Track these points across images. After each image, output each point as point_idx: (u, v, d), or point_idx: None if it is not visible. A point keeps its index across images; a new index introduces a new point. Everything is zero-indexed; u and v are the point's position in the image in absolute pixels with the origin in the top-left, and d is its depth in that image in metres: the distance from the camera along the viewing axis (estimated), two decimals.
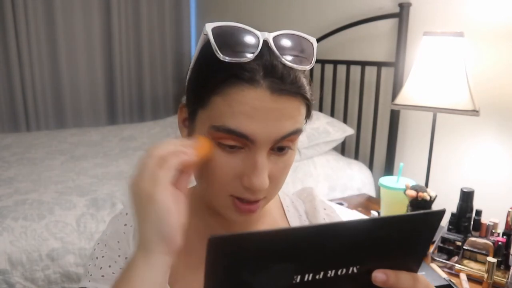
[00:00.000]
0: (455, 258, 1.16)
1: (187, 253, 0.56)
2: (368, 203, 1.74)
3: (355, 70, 1.99)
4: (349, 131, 1.94)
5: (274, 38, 0.47)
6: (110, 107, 3.18)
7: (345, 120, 2.06)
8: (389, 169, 1.86)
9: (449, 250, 1.19)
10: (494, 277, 1.04)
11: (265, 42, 0.46)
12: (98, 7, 2.99)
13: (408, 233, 0.38)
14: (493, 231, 1.21)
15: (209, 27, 0.45)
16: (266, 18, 2.63)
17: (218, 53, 0.45)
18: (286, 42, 0.47)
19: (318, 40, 2.13)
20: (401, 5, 1.73)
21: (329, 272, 0.36)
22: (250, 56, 0.45)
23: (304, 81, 0.48)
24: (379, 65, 1.87)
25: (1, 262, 1.25)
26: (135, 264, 0.43)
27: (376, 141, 1.94)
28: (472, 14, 1.53)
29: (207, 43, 0.47)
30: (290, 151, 0.50)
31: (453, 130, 1.64)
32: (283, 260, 0.34)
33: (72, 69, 2.97)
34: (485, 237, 1.21)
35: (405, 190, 1.18)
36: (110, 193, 1.52)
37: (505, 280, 1.06)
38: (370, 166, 1.97)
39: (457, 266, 1.12)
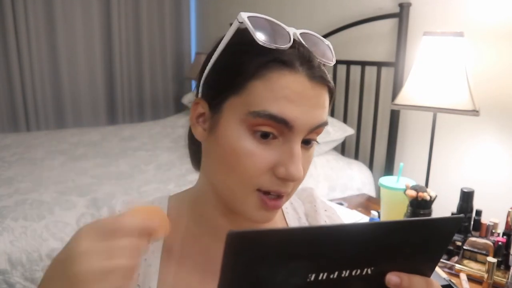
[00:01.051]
0: (455, 258, 1.16)
1: (186, 258, 0.55)
2: (368, 203, 1.74)
3: (355, 70, 1.99)
4: (349, 131, 1.94)
5: (301, 34, 0.48)
6: (110, 107, 3.18)
7: (345, 120, 2.06)
8: (389, 169, 1.86)
9: (449, 250, 1.19)
10: (494, 277, 1.04)
11: (294, 36, 0.48)
12: (98, 7, 2.99)
13: (425, 238, 0.37)
14: (493, 231, 1.21)
15: (244, 15, 0.46)
16: None
17: (258, 38, 0.45)
18: (311, 40, 0.49)
19: None
20: (401, 5, 1.73)
21: (344, 272, 0.36)
22: (287, 43, 0.46)
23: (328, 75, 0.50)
24: (379, 65, 1.87)
25: (1, 262, 1.25)
26: None
27: (376, 141, 1.94)
28: (472, 14, 1.53)
29: (241, 31, 0.47)
30: (314, 145, 0.50)
31: (453, 130, 1.64)
32: (299, 258, 0.34)
33: (72, 69, 2.96)
34: (485, 237, 1.21)
35: (405, 190, 1.18)
36: (110, 193, 1.52)
37: (505, 280, 1.06)
38: (370, 166, 1.97)
39: (457, 266, 1.12)
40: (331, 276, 0.36)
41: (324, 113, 0.48)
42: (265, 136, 0.46)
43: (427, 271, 0.39)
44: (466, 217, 1.25)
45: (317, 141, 0.50)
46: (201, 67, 0.54)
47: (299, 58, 0.46)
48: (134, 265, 0.36)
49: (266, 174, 0.47)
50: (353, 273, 0.36)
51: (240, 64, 0.46)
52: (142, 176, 1.72)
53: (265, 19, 0.47)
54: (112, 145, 2.22)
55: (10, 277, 1.26)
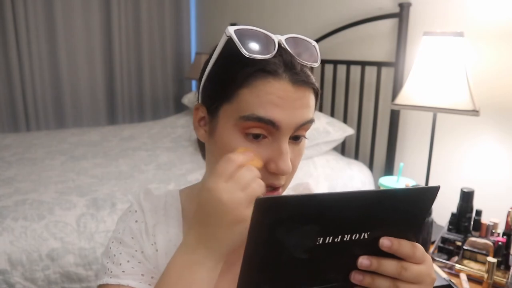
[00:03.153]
0: (455, 258, 1.16)
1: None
2: None
3: (355, 70, 1.99)
4: (349, 131, 1.94)
5: (286, 40, 0.53)
6: (110, 107, 3.18)
7: (345, 120, 2.06)
8: (389, 169, 1.86)
9: (449, 250, 1.19)
10: (494, 277, 1.04)
11: (279, 43, 0.52)
12: (98, 7, 2.99)
13: (409, 205, 0.43)
14: (493, 231, 1.21)
15: (231, 29, 0.51)
16: (266, 18, 2.63)
17: (244, 51, 0.49)
18: (295, 43, 0.54)
19: (318, 40, 2.14)
20: (401, 5, 1.73)
21: (346, 236, 0.41)
22: (271, 53, 0.51)
23: (313, 76, 0.55)
24: (379, 65, 1.87)
25: (1, 262, 1.25)
26: (200, 267, 0.47)
27: (376, 141, 1.94)
28: (472, 14, 1.53)
29: (229, 44, 0.52)
30: (303, 140, 0.56)
31: (453, 130, 1.64)
32: (311, 223, 0.39)
33: (72, 69, 2.96)
34: (485, 237, 1.21)
35: None
36: (110, 193, 1.52)
37: (505, 280, 1.06)
38: (370, 166, 1.97)
39: (457, 266, 1.12)
40: (335, 240, 0.41)
41: (308, 112, 0.53)
42: (256, 137, 0.52)
43: (412, 238, 0.45)
44: (466, 217, 1.25)
45: (305, 137, 0.56)
46: (200, 72, 0.60)
47: (282, 65, 0.51)
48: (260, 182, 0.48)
49: (260, 170, 0.52)
50: (353, 237, 0.42)
51: (229, 74, 0.52)
52: (142, 176, 1.72)
53: (252, 30, 0.52)
54: (112, 145, 2.22)
55: (10, 277, 1.26)
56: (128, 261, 0.59)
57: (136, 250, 0.60)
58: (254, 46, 0.50)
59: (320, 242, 0.41)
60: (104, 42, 3.06)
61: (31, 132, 2.57)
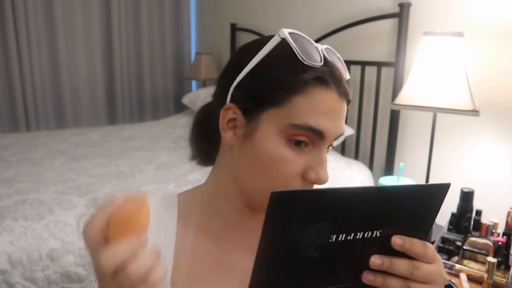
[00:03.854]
0: (455, 258, 1.16)
1: (202, 253, 0.58)
2: None
3: (355, 70, 1.99)
4: (349, 131, 1.94)
5: (325, 50, 0.53)
6: (110, 107, 3.18)
7: (345, 120, 2.06)
8: (389, 169, 1.86)
9: (449, 250, 1.19)
10: (494, 277, 1.04)
11: (322, 51, 0.52)
12: (98, 7, 2.99)
13: (421, 202, 0.43)
14: (493, 231, 1.21)
15: (286, 31, 0.51)
16: (266, 18, 2.63)
17: (303, 58, 0.49)
18: (332, 55, 0.54)
19: (319, 40, 2.14)
20: (401, 5, 1.73)
21: (358, 234, 0.41)
22: (319, 62, 0.51)
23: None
24: (379, 65, 1.87)
25: (1, 262, 1.25)
26: None
27: (376, 141, 1.94)
28: (472, 14, 1.53)
29: (282, 46, 0.51)
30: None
31: (453, 130, 1.64)
32: (325, 219, 0.39)
33: (72, 69, 2.96)
34: (485, 237, 1.21)
35: None
36: (110, 193, 1.52)
37: (505, 280, 1.06)
38: (370, 166, 1.97)
39: (457, 266, 1.12)
40: (348, 238, 0.41)
41: (344, 124, 0.55)
42: (298, 143, 0.51)
43: (422, 236, 0.45)
44: (466, 217, 1.25)
45: (333, 146, 0.57)
46: (226, 71, 0.56)
47: (330, 75, 0.51)
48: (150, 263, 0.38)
49: (297, 178, 0.52)
50: (365, 235, 0.41)
51: (283, 78, 0.50)
52: (142, 176, 1.72)
53: (301, 36, 0.52)
54: (112, 145, 2.22)
55: (10, 277, 1.26)
56: None
57: None
58: (308, 53, 0.50)
59: (333, 240, 0.40)
60: (104, 42, 3.06)
61: (31, 132, 2.57)
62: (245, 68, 0.53)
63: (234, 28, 2.87)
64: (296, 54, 0.50)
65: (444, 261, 1.15)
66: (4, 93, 2.74)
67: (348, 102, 0.55)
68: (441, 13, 1.64)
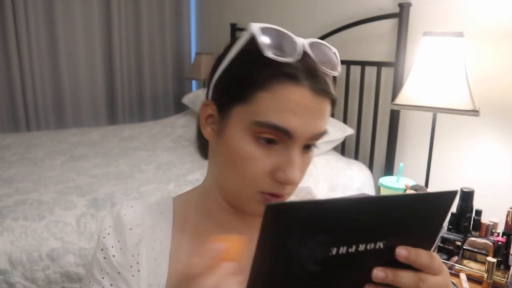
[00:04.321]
0: (455, 258, 1.16)
1: (196, 255, 0.57)
2: None
3: (355, 70, 1.99)
4: (349, 131, 1.94)
5: (310, 44, 0.50)
6: (110, 107, 3.19)
7: (345, 120, 2.06)
8: (389, 169, 1.86)
9: (449, 250, 1.19)
10: (494, 277, 1.04)
11: (304, 46, 0.50)
12: (98, 7, 2.99)
13: (427, 211, 0.41)
14: (493, 231, 1.21)
15: (255, 26, 0.48)
16: (266, 18, 2.63)
17: (267, 51, 0.47)
18: (318, 49, 0.51)
19: None
20: (401, 5, 1.73)
21: (360, 246, 0.39)
22: (295, 57, 0.48)
23: (332, 85, 0.52)
24: (379, 65, 1.87)
25: (1, 262, 1.25)
26: None
27: (376, 141, 1.94)
28: (472, 14, 1.53)
29: (251, 42, 0.49)
30: (313, 149, 0.54)
31: (453, 130, 1.64)
32: (325, 231, 0.36)
33: (72, 69, 2.97)
34: (485, 237, 1.21)
35: (405, 190, 1.18)
36: (110, 193, 1.52)
37: (505, 280, 1.06)
38: (370, 166, 1.97)
39: (457, 266, 1.12)
40: (350, 250, 0.38)
41: (324, 123, 0.51)
42: (268, 141, 0.49)
43: (428, 246, 0.43)
44: (466, 217, 1.25)
45: (316, 146, 0.54)
46: (211, 68, 0.56)
47: (304, 71, 0.48)
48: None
49: (267, 177, 0.50)
50: (368, 247, 0.39)
51: (248, 74, 0.49)
52: (142, 176, 1.72)
53: (276, 30, 0.49)
54: (112, 145, 2.22)
55: (10, 277, 1.26)
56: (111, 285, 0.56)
57: (118, 273, 0.56)
58: (278, 47, 0.48)
59: (334, 253, 0.38)
60: (104, 42, 3.06)
61: (31, 132, 2.57)
62: (221, 64, 0.53)
63: (234, 28, 2.87)
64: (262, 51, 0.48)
65: (444, 261, 1.15)
66: (4, 93, 2.74)
67: (333, 100, 0.52)
68: (441, 13, 1.64)
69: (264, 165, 0.50)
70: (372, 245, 0.39)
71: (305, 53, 0.49)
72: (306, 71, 0.48)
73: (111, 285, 0.56)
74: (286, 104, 0.48)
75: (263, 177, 0.50)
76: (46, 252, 1.30)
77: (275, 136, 0.49)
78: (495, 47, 1.48)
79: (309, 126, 0.49)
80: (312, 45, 0.50)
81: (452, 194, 0.41)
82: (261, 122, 0.48)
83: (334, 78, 0.54)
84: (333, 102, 0.53)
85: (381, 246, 0.40)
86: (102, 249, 0.57)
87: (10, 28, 2.64)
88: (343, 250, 0.38)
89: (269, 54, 0.47)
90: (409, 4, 1.73)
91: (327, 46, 0.53)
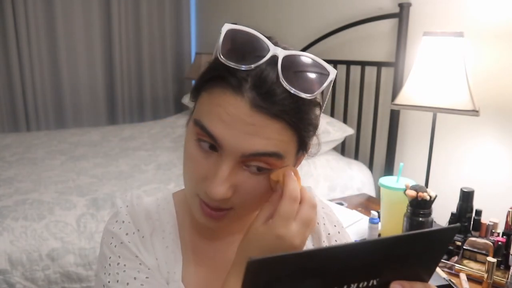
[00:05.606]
0: (455, 258, 1.16)
1: (195, 252, 0.59)
2: (368, 203, 1.74)
3: (355, 70, 1.99)
4: (349, 131, 1.94)
5: (286, 56, 0.45)
6: (110, 107, 3.19)
7: (345, 120, 2.06)
8: (389, 169, 1.86)
9: (449, 250, 1.19)
10: (494, 277, 1.04)
11: (274, 57, 0.45)
12: (98, 7, 2.99)
13: (425, 248, 0.40)
14: (493, 231, 1.21)
15: (225, 27, 0.47)
16: (266, 18, 2.63)
17: (219, 54, 0.46)
18: (295, 63, 0.46)
19: (319, 40, 2.14)
20: (401, 5, 1.73)
21: (352, 285, 0.38)
22: (246, 64, 0.45)
23: (299, 108, 0.46)
24: (379, 65, 1.87)
25: (1, 262, 1.25)
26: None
27: (376, 141, 1.94)
28: (472, 14, 1.53)
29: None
30: (268, 173, 0.48)
31: (453, 130, 1.64)
32: (312, 277, 0.35)
33: (72, 69, 2.97)
34: (485, 237, 1.21)
35: (405, 190, 1.18)
36: (110, 193, 1.52)
37: (505, 280, 1.06)
38: (370, 166, 1.97)
39: (457, 266, 1.12)
40: None
41: (267, 144, 0.45)
42: (209, 147, 0.47)
43: (425, 277, 0.42)
44: (466, 217, 1.25)
45: (270, 168, 0.48)
46: None
47: (252, 81, 0.44)
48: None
49: (202, 182, 0.48)
50: (361, 285, 0.38)
51: (204, 74, 0.50)
52: (142, 176, 1.72)
53: (247, 33, 0.46)
54: (112, 145, 2.22)
55: (10, 277, 1.26)
56: (135, 278, 0.53)
57: (140, 264, 0.54)
58: (235, 52, 0.45)
59: None
60: (104, 42, 3.06)
61: (31, 132, 2.57)
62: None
63: None
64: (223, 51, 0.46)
65: (444, 261, 1.15)
66: (4, 93, 2.74)
67: (291, 123, 0.46)
68: (441, 13, 1.64)
69: (200, 169, 0.48)
70: (365, 283, 0.38)
71: (270, 63, 0.45)
72: (255, 84, 0.44)
73: (138, 271, 0.53)
74: (216, 109, 0.45)
75: (199, 181, 0.48)
76: (46, 252, 1.30)
77: (211, 142, 0.46)
78: (495, 47, 1.48)
79: (241, 140, 0.44)
80: (289, 57, 0.45)
81: (454, 229, 0.40)
82: (196, 120, 0.48)
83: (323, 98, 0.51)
84: (294, 126, 0.46)
85: (375, 283, 0.39)
86: (121, 242, 0.55)
87: (10, 28, 2.64)
88: None
89: (220, 56, 0.45)
90: (409, 4, 1.73)
91: (318, 63, 0.47)
